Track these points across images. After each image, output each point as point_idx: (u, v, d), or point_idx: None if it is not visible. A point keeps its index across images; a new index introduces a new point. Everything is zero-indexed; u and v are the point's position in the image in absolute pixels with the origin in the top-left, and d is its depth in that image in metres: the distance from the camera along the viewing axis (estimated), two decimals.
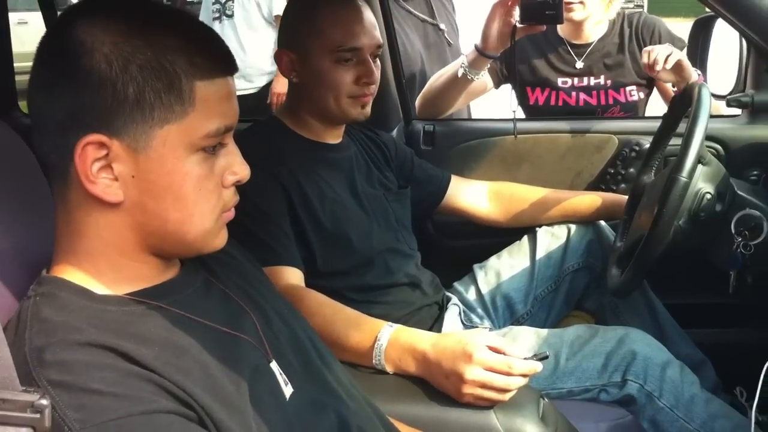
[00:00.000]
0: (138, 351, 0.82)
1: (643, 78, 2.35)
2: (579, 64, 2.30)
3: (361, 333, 1.38)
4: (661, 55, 1.94)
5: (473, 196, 2.01)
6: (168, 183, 0.89)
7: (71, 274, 0.89)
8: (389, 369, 1.35)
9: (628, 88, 2.36)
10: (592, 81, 2.34)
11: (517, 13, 1.93)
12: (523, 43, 2.10)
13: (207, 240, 0.95)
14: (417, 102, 2.33)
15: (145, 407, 0.78)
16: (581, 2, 2.22)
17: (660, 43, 2.26)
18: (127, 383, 0.79)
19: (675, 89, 2.06)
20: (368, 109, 1.67)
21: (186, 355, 0.87)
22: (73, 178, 0.87)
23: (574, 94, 2.35)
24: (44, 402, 0.73)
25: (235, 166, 0.95)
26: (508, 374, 1.25)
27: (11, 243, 0.96)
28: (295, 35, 1.63)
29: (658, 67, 1.94)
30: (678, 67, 1.95)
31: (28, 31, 4.33)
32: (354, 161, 1.75)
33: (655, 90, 2.44)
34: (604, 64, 2.35)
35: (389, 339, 1.35)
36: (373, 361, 1.35)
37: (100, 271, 0.90)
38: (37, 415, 0.72)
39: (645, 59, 1.99)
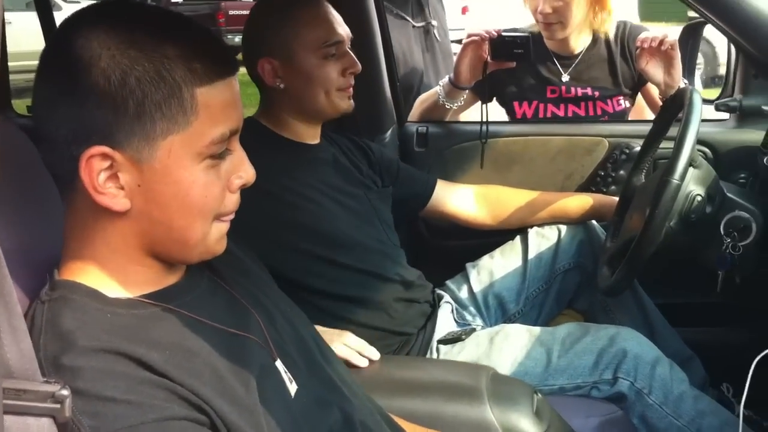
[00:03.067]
0: (149, 356, 0.83)
1: (629, 88, 2.35)
2: (565, 77, 2.30)
3: None
4: (656, 40, 1.96)
5: (460, 199, 2.03)
6: (174, 192, 0.89)
7: (82, 276, 0.90)
8: None
9: (615, 98, 2.35)
10: (580, 92, 2.32)
11: (487, 48, 2.04)
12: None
13: (209, 246, 0.95)
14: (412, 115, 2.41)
15: (158, 414, 0.79)
16: (560, 22, 2.21)
17: None
18: (139, 390, 0.80)
19: (660, 96, 2.07)
20: (352, 100, 1.72)
21: (196, 357, 0.88)
22: (80, 188, 0.87)
23: (562, 105, 2.34)
24: (65, 392, 0.74)
25: (242, 170, 0.95)
26: None
27: (19, 242, 0.97)
28: (273, 42, 1.63)
29: (654, 45, 1.96)
30: (669, 60, 1.97)
31: (12, 32, 4.32)
32: (333, 162, 1.78)
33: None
34: (591, 75, 2.33)
35: None
36: None
37: (109, 275, 0.91)
38: (58, 406, 0.74)
39: (639, 44, 2.01)
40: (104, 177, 0.86)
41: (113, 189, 0.87)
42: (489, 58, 2.05)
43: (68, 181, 0.89)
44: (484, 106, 2.20)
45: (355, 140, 1.93)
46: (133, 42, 0.85)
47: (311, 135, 1.75)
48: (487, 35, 2.03)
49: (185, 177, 0.89)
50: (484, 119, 2.17)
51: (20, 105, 3.02)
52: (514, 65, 2.13)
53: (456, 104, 2.19)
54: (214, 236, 0.95)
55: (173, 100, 0.86)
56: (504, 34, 2.05)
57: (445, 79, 2.18)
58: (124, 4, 0.93)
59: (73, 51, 0.85)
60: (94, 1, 0.98)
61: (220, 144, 0.90)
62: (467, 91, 2.18)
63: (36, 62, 0.90)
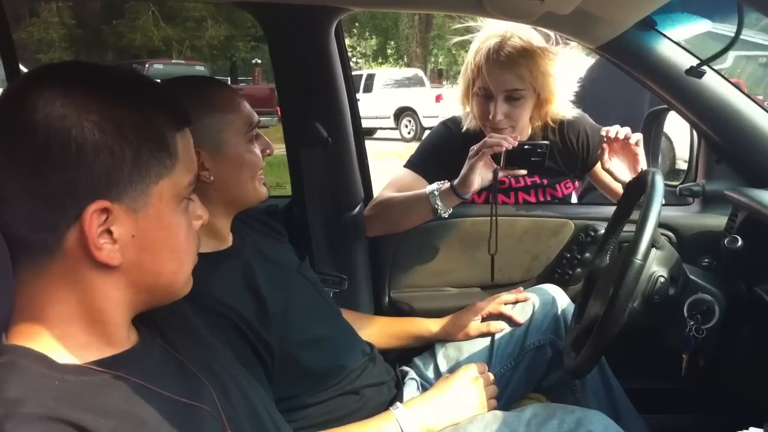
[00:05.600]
0: (96, 424, 0.81)
1: (573, 170, 2.35)
2: (519, 175, 2.10)
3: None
4: (622, 132, 1.97)
5: None
6: (165, 236, 0.93)
7: (32, 341, 0.88)
8: None
9: (563, 182, 2.36)
10: (529, 180, 2.31)
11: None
12: (457, 148, 2.06)
13: (187, 285, 1.00)
14: (366, 220, 2.25)
15: None
16: (511, 126, 2.14)
17: (587, 138, 2.28)
18: None
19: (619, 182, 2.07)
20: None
21: (144, 426, 0.86)
22: (65, 249, 0.87)
23: (512, 194, 2.33)
24: None
25: (198, 211, 1.02)
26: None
27: None
28: (199, 133, 1.40)
29: (621, 136, 1.96)
30: (633, 156, 1.99)
31: None
32: (252, 256, 1.63)
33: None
34: (543, 171, 2.23)
35: (406, 417, 1.51)
36: None
37: (69, 336, 0.89)
38: None
39: (605, 135, 2.00)
40: (99, 232, 0.87)
41: (108, 244, 0.88)
42: (501, 165, 1.95)
43: (42, 246, 0.87)
44: (493, 214, 2.08)
45: (259, 216, 1.86)
46: (117, 96, 0.89)
47: (228, 235, 1.63)
48: (508, 144, 1.91)
49: (174, 221, 0.94)
50: (493, 218, 2.06)
51: None
52: (525, 173, 2.02)
53: (447, 212, 2.01)
54: (189, 276, 1.01)
55: (162, 146, 0.91)
56: (523, 142, 1.96)
57: (441, 185, 2.00)
58: (74, 66, 0.95)
59: (54, 111, 0.85)
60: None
61: (191, 186, 0.97)
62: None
63: None
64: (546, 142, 2.10)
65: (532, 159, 1.95)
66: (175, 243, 0.95)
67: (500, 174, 1.97)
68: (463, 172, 1.95)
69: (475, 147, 1.95)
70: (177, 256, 0.96)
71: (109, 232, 0.88)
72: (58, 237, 0.86)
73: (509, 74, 2.07)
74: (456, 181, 1.96)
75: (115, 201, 0.87)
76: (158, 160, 0.90)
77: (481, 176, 1.95)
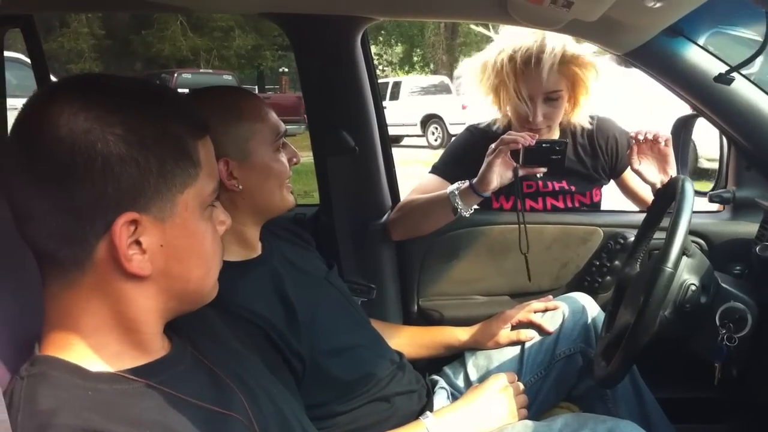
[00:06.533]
0: None
1: (602, 176, 2.33)
2: (539, 174, 2.08)
3: None
4: (651, 133, 1.94)
5: None
6: (191, 244, 0.94)
7: (65, 351, 0.89)
8: None
9: (594, 191, 2.34)
10: (557, 185, 2.29)
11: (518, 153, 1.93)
12: (481, 152, 2.00)
13: (214, 290, 1.02)
14: (390, 224, 2.25)
15: None
16: (548, 126, 2.17)
17: (617, 143, 2.28)
18: None
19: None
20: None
21: None
22: (95, 261, 0.87)
23: (540, 199, 2.32)
24: None
25: (221, 216, 1.03)
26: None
27: (2, 316, 0.96)
28: (226, 142, 1.50)
29: (650, 137, 1.93)
30: (663, 157, 1.95)
31: None
32: (280, 264, 1.65)
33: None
34: (564, 169, 2.18)
35: (436, 426, 1.52)
36: None
37: (103, 345, 0.90)
38: None
39: (634, 137, 1.96)
40: (128, 243, 0.88)
41: (138, 255, 0.89)
42: (520, 163, 1.94)
43: (71, 259, 0.88)
44: (519, 208, 2.06)
45: (289, 226, 1.86)
46: (137, 107, 0.89)
47: (257, 244, 1.64)
48: (524, 141, 1.89)
49: (200, 228, 0.95)
50: (521, 220, 2.03)
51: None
52: (545, 170, 2.00)
53: (468, 212, 2.00)
54: (216, 281, 1.02)
55: (185, 154, 0.92)
56: (541, 139, 1.94)
57: (461, 184, 1.99)
58: (89, 78, 0.96)
59: (77, 125, 0.85)
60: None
61: (215, 193, 0.98)
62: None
63: None
64: (565, 140, 2.10)
65: (552, 157, 1.94)
66: (202, 249, 0.96)
67: (520, 172, 1.96)
68: (481, 170, 1.95)
69: (493, 145, 1.95)
70: (204, 262, 0.97)
71: (138, 242, 0.89)
72: (88, 250, 0.87)
73: (550, 76, 2.07)
74: (475, 180, 1.96)
75: (143, 212, 0.88)
76: (182, 169, 0.91)
77: (499, 174, 1.94)
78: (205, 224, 0.96)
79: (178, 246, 0.92)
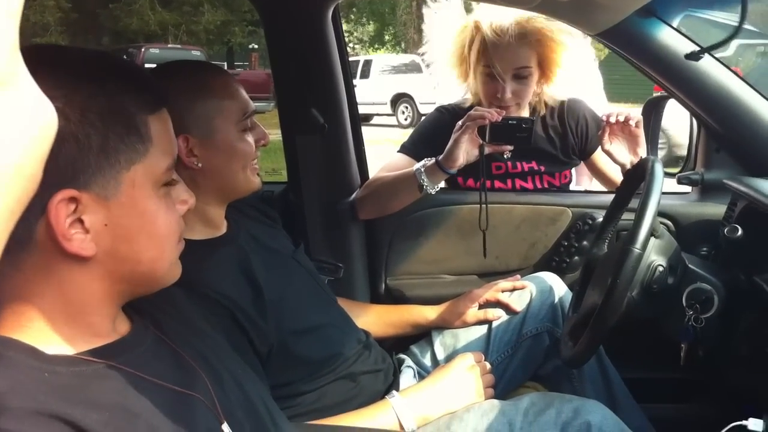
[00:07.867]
0: (87, 419, 0.78)
1: (571, 160, 2.33)
2: (507, 154, 2.12)
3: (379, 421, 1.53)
4: (622, 114, 1.94)
5: None
6: (141, 224, 0.90)
7: (20, 332, 0.85)
8: (419, 424, 1.54)
9: (563, 173, 2.34)
10: (526, 166, 2.29)
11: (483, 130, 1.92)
12: (450, 132, 1.97)
13: (172, 272, 0.97)
14: (357, 202, 2.24)
15: None
16: (517, 104, 2.16)
17: (587, 124, 2.28)
18: None
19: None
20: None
21: (138, 419, 0.84)
22: (36, 241, 0.83)
23: (509, 180, 2.31)
24: None
25: (183, 195, 1.01)
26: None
27: None
28: (189, 117, 1.47)
29: (621, 119, 1.92)
30: (633, 138, 1.95)
31: None
32: (247, 242, 1.62)
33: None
34: (533, 149, 2.23)
35: (402, 406, 1.54)
36: None
37: (55, 329, 0.87)
38: None
39: (606, 119, 1.95)
40: (68, 222, 0.83)
41: (80, 234, 0.85)
42: (486, 140, 1.93)
43: (18, 238, 0.84)
44: (483, 188, 2.05)
45: (255, 203, 1.82)
46: (82, 79, 0.85)
47: (222, 222, 1.61)
48: (491, 116, 1.87)
49: (150, 207, 0.91)
50: (483, 198, 2.04)
51: None
52: (512, 149, 2.01)
53: (434, 189, 1.99)
54: (176, 262, 0.98)
55: (132, 129, 0.88)
56: (507, 116, 1.93)
57: (428, 161, 1.98)
58: (39, 49, 0.90)
59: None
60: None
61: (170, 171, 0.94)
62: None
63: None
64: (532, 117, 2.10)
65: (518, 134, 1.93)
66: (153, 230, 0.91)
67: (486, 149, 1.95)
68: (448, 146, 1.94)
69: (460, 122, 1.94)
70: (156, 243, 0.92)
71: (81, 221, 0.85)
72: (29, 230, 0.83)
73: (520, 51, 2.07)
74: (441, 157, 1.95)
75: (83, 189, 0.84)
76: (127, 145, 0.87)
77: (466, 151, 1.94)
78: (158, 202, 0.92)
79: (125, 225, 0.88)
